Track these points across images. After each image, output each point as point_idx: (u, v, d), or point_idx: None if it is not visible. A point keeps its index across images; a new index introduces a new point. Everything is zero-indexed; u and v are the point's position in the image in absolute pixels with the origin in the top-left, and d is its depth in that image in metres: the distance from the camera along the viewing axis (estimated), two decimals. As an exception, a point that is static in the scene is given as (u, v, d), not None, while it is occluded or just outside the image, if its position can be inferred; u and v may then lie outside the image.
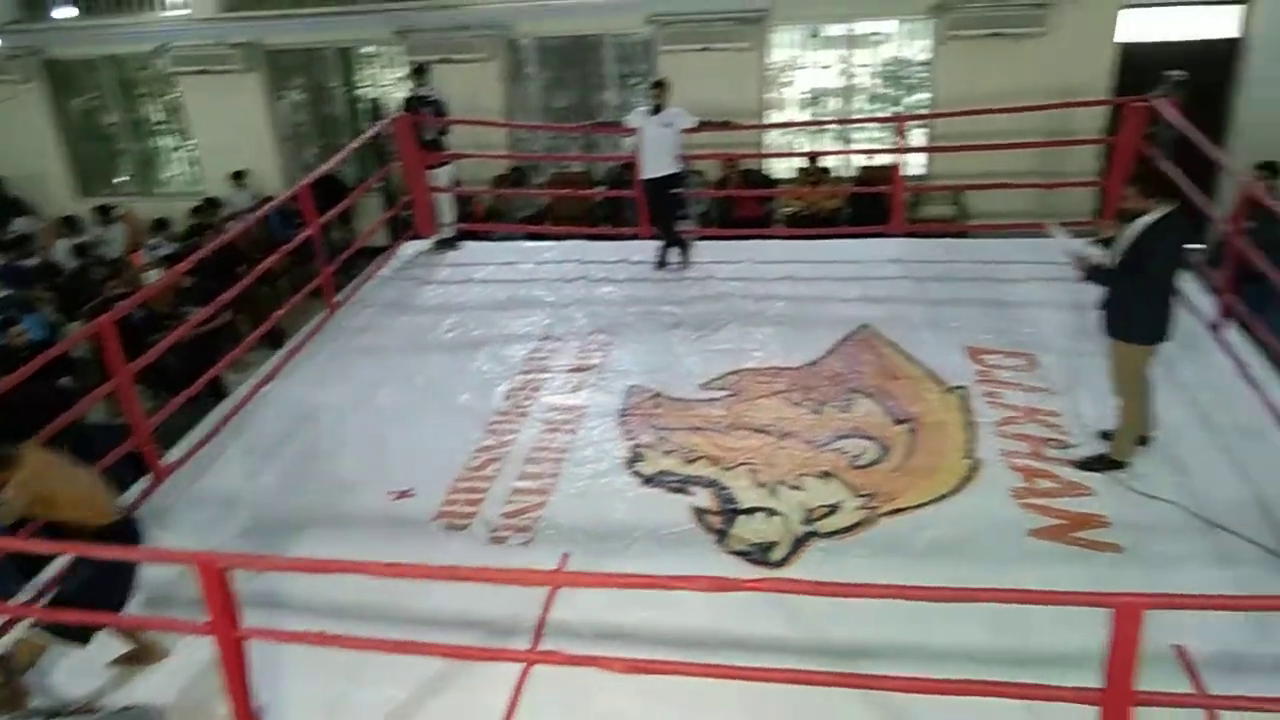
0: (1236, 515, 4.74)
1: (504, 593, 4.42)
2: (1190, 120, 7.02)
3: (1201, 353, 6.14)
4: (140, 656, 4.31)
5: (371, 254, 8.93)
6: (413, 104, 8.43)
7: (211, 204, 11.71)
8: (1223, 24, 10.20)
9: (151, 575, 4.58)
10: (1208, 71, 9.75)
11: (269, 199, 10.42)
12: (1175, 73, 7.27)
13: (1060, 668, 3.39)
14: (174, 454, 5.89)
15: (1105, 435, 5.33)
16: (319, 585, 4.50)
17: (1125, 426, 5.10)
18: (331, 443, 5.96)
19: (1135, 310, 4.92)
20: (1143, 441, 5.22)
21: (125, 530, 4.25)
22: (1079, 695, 3.04)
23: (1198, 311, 6.50)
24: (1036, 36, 10.12)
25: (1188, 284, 6.81)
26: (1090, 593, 3.13)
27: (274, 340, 7.78)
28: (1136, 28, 10.27)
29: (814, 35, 11.03)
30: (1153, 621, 3.78)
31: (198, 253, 6.61)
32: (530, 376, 6.54)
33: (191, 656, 4.24)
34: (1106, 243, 5.05)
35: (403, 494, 5.40)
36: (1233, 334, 6.21)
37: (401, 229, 9.02)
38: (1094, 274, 4.96)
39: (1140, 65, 9.66)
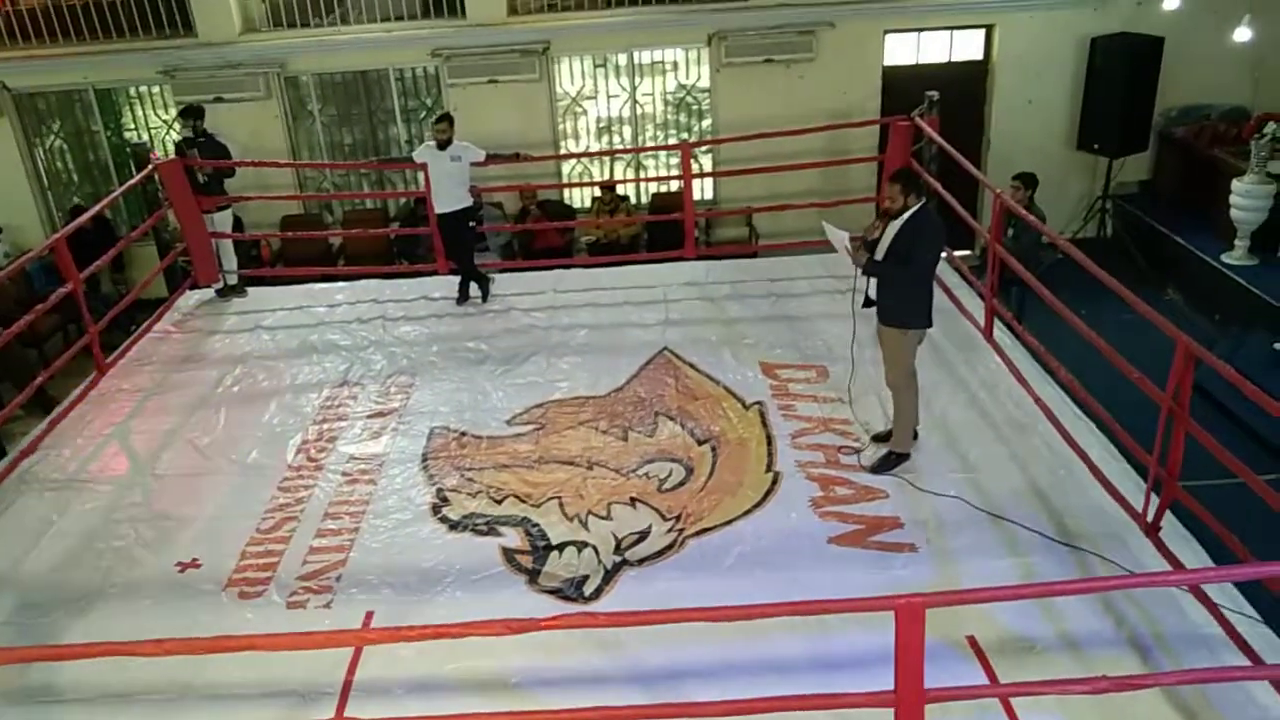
0: (1017, 505, 5.04)
1: (306, 658, 4.19)
2: (950, 136, 7.54)
3: (976, 354, 6.55)
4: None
5: (150, 307, 8.36)
6: (182, 147, 7.98)
7: (-44, 264, 10.66)
8: (971, 47, 11.05)
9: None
10: (962, 91, 10.53)
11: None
12: (932, 92, 7.80)
13: (862, 670, 3.51)
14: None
15: (877, 438, 5.61)
16: (98, 672, 4.11)
17: (902, 419, 5.38)
18: (108, 516, 5.48)
19: (904, 298, 5.23)
20: (914, 435, 5.51)
21: None
22: (872, 699, 3.13)
23: (970, 316, 6.93)
24: (807, 62, 10.63)
25: (961, 290, 7.29)
26: (873, 598, 3.23)
27: (46, 408, 7.15)
28: (896, 51, 10.97)
29: (601, 65, 11.17)
30: (946, 616, 3.99)
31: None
32: (325, 426, 6.25)
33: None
34: (874, 245, 5.33)
35: (189, 564, 5.04)
36: (1002, 335, 6.65)
37: (181, 278, 8.49)
38: (869, 266, 5.23)
39: (901, 87, 10.32)
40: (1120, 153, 10.82)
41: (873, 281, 5.31)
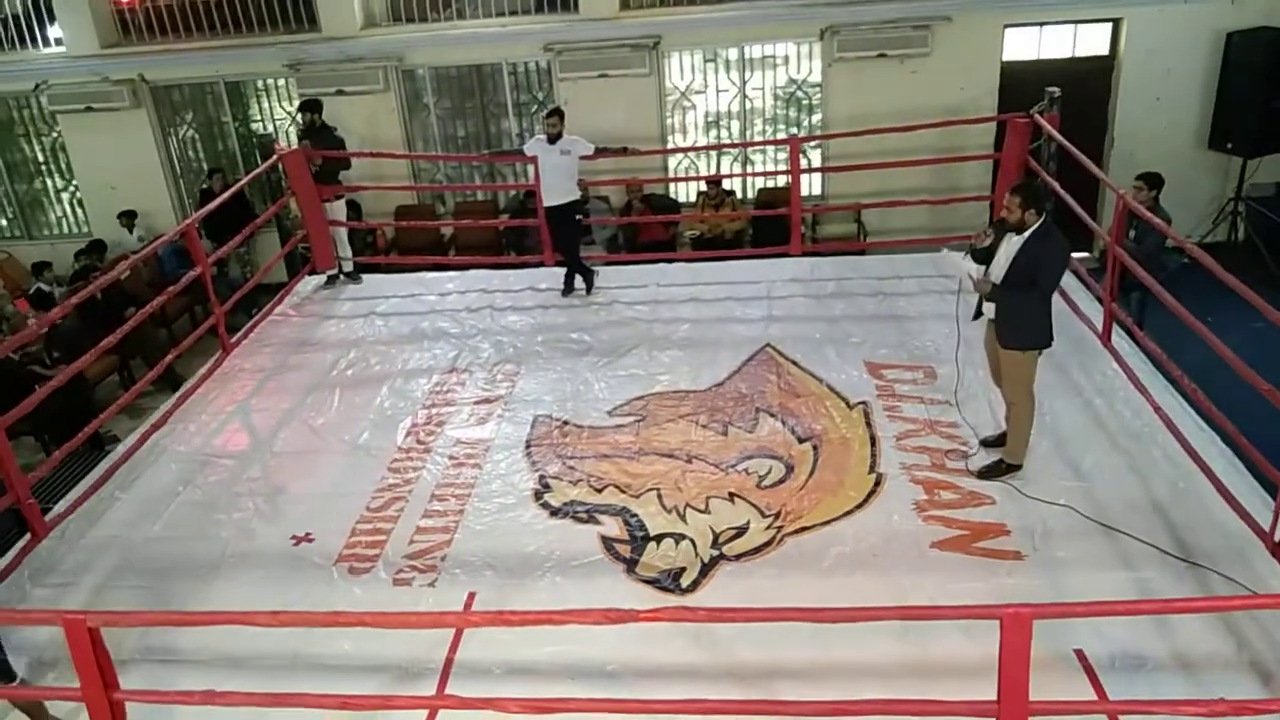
0: (1131, 517, 4.86)
1: (410, 635, 4.33)
2: (1070, 134, 7.29)
3: (1092, 359, 6.34)
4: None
5: (271, 291, 8.72)
6: (303, 137, 8.30)
7: (97, 246, 11.27)
8: (1096, 42, 10.64)
9: (34, 637, 4.42)
10: (1085, 87, 10.16)
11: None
12: (1052, 89, 7.55)
13: (963, 678, 3.43)
14: (60, 506, 5.63)
15: (986, 443, 5.47)
16: (215, 637, 4.33)
17: (1018, 430, 5.23)
18: (229, 489, 5.76)
19: (1026, 320, 5.05)
20: None
21: None
22: (974, 708, 3.06)
23: (1087, 320, 6.70)
24: (922, 57, 10.40)
25: (1079, 294, 7.05)
26: (978, 605, 3.16)
27: (174, 384, 7.54)
28: (1016, 46, 10.63)
29: (711, 59, 11.15)
30: (1054, 627, 3.89)
31: (75, 297, 6.28)
32: (434, 411, 6.43)
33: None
34: (981, 253, 5.17)
35: (303, 539, 5.24)
36: (1120, 341, 6.41)
37: (301, 264, 8.83)
38: (994, 295, 5.06)
39: (1021, 83, 10.00)
40: (1256, 153, 10.27)
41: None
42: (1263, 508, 4.65)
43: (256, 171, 8.37)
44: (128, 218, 11.70)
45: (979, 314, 5.27)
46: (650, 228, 10.82)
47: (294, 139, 8.91)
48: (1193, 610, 4.10)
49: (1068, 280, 7.15)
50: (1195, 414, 5.49)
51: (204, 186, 11.41)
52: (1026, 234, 4.91)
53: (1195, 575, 4.45)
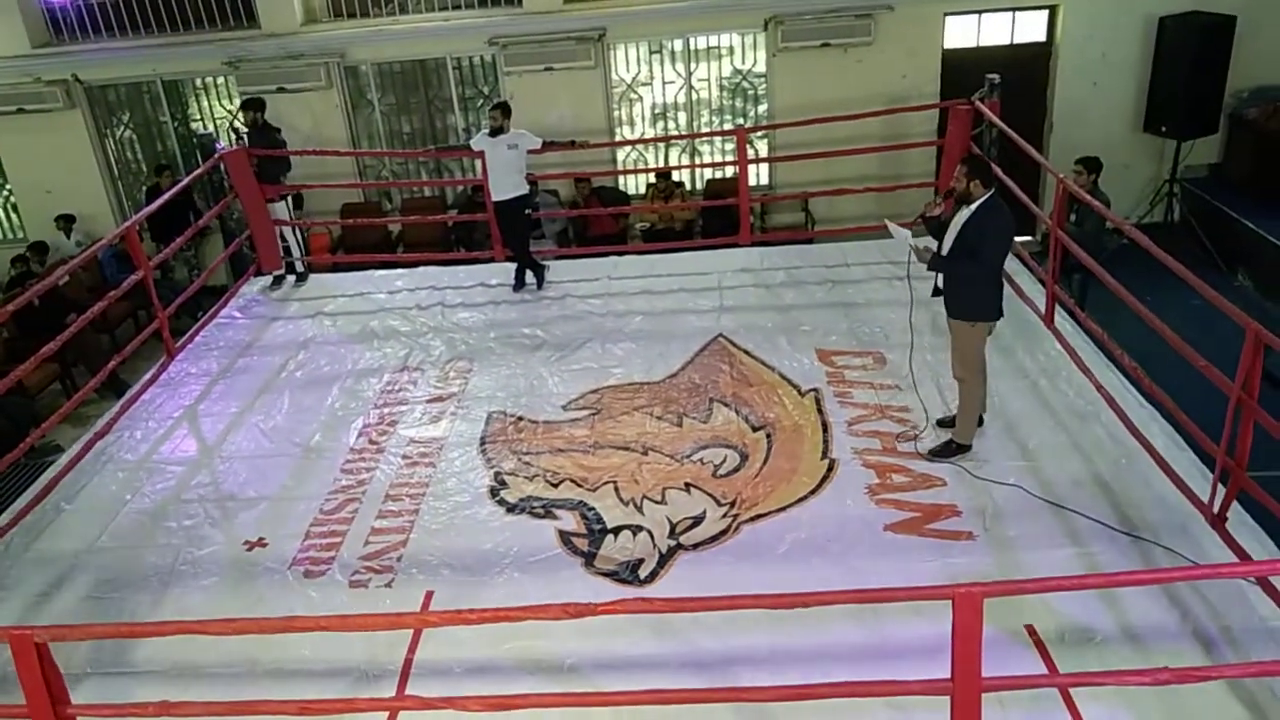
0: (1078, 495, 4.98)
1: (368, 637, 4.31)
2: (1011, 120, 7.42)
3: (1036, 341, 6.46)
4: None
5: (217, 293, 8.57)
6: (241, 137, 8.17)
7: (36, 250, 10.98)
8: (1033, 28, 10.82)
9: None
10: (1024, 73, 10.34)
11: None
12: (993, 76, 7.67)
13: (918, 658, 3.49)
14: (3, 519, 5.50)
15: (942, 423, 5.56)
16: (170, 647, 4.32)
17: (967, 409, 5.32)
18: (178, 496, 5.67)
19: (971, 291, 5.16)
20: (979, 421, 5.45)
21: None
22: (928, 687, 3.11)
23: (1030, 302, 6.83)
24: (864, 45, 10.50)
25: (1022, 276, 7.18)
26: (930, 586, 3.22)
27: (118, 391, 7.39)
28: (956, 34, 10.78)
29: (657, 51, 11.15)
30: (1004, 605, 3.97)
31: (12, 304, 6.14)
32: (386, 410, 6.37)
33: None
34: (934, 223, 5.26)
35: (256, 544, 5.18)
36: (1063, 322, 6.53)
37: (247, 265, 8.68)
38: (935, 263, 5.17)
39: (962, 70, 10.15)
40: (1189, 135, 10.52)
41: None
42: (1202, 481, 4.78)
43: (198, 172, 8.21)
44: (65, 222, 11.42)
45: (937, 291, 5.35)
46: (600, 220, 10.80)
47: (233, 138, 8.74)
48: (1135, 583, 4.19)
49: (1011, 263, 7.26)
50: (1136, 391, 5.62)
51: (151, 184, 11.19)
52: (974, 205, 5.04)
53: (1139, 549, 4.57)
